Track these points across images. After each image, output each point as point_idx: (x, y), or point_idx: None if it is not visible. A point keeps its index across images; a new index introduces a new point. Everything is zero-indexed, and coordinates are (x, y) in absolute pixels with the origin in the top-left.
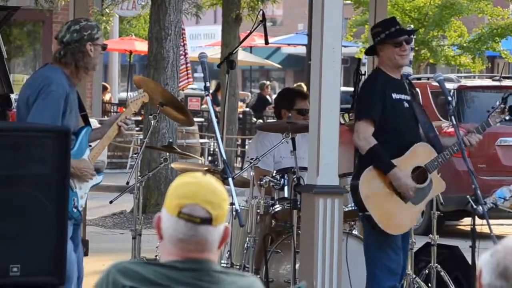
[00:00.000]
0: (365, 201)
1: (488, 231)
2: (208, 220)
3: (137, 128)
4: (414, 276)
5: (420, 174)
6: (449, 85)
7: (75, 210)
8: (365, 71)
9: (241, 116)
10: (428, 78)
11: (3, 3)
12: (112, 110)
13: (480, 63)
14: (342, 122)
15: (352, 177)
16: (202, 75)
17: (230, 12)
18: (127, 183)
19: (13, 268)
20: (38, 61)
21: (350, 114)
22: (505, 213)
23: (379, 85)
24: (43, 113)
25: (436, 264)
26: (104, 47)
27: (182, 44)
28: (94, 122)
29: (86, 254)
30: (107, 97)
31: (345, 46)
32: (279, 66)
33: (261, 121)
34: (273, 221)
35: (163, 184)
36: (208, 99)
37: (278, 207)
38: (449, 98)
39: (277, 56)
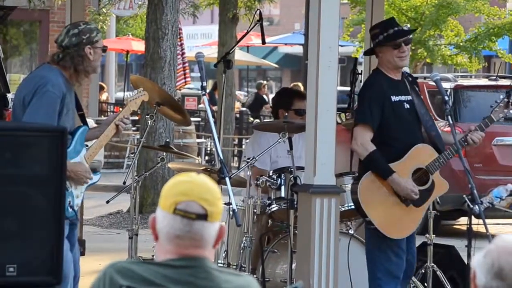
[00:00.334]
0: (364, 206)
1: (485, 231)
2: (203, 216)
3: (133, 128)
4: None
5: (421, 175)
6: (445, 85)
7: (70, 209)
8: (361, 71)
9: (238, 115)
10: (424, 78)
11: (0, 3)
12: (109, 110)
13: (476, 62)
14: (339, 121)
15: (353, 180)
16: (199, 74)
17: (227, 12)
18: (124, 182)
19: (10, 268)
20: (35, 60)
21: (347, 114)
22: (502, 213)
23: (377, 88)
24: (38, 113)
25: (432, 264)
26: (104, 50)
27: (179, 43)
28: (91, 122)
29: (83, 253)
30: (104, 96)
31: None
32: (276, 65)
33: (258, 120)
34: (269, 220)
35: (160, 183)
36: (205, 98)
37: (274, 207)
38: (446, 98)
39: (274, 56)
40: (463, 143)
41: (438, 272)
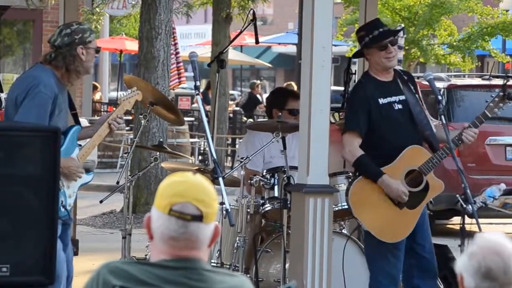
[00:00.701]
0: (355, 210)
1: (478, 230)
2: (199, 218)
3: (127, 128)
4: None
5: (416, 177)
6: (439, 84)
7: (62, 209)
8: (355, 70)
9: (231, 115)
10: (418, 77)
11: None
12: (102, 109)
13: (470, 62)
14: (332, 121)
15: (349, 183)
16: (192, 74)
17: (220, 11)
18: (117, 182)
19: (3, 268)
20: (28, 60)
21: (340, 113)
22: (495, 212)
23: (362, 93)
24: (29, 113)
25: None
26: (97, 50)
27: (173, 43)
28: (84, 122)
29: (76, 253)
30: (97, 96)
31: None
32: (270, 65)
33: (251, 120)
34: (263, 220)
35: (153, 183)
36: (199, 98)
37: (268, 207)
38: (439, 97)
39: (268, 55)
40: (457, 142)
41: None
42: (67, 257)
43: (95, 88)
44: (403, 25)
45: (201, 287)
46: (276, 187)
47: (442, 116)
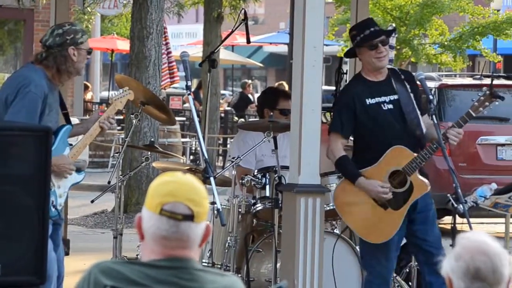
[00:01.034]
0: (339, 211)
1: (469, 230)
2: (190, 217)
3: (118, 127)
4: (394, 275)
5: (403, 178)
6: (430, 84)
7: (53, 209)
8: (346, 70)
9: (223, 115)
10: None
11: None
12: (93, 109)
13: (461, 61)
14: (324, 121)
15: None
16: (184, 74)
17: (212, 11)
18: (109, 182)
19: None
20: (19, 59)
21: (332, 113)
22: (486, 212)
23: (347, 95)
24: (19, 113)
25: (417, 258)
26: (89, 52)
27: (164, 43)
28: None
29: (67, 253)
30: (88, 96)
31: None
32: (261, 64)
33: (242, 120)
34: (254, 220)
35: (145, 183)
36: (190, 98)
37: (259, 206)
38: (430, 97)
39: (259, 55)
40: (441, 142)
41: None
42: (58, 257)
43: (86, 87)
44: (394, 25)
45: (192, 287)
46: (267, 187)
47: (434, 116)
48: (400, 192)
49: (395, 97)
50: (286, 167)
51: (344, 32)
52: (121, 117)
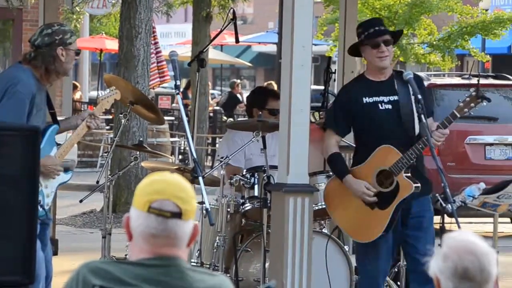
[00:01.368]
0: (328, 209)
1: (457, 230)
2: (178, 214)
3: (107, 127)
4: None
5: (387, 177)
6: None
7: (40, 209)
8: (335, 69)
9: (211, 114)
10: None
11: None
12: (82, 109)
13: (449, 61)
14: (313, 120)
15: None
16: (172, 73)
17: (200, 11)
18: (97, 182)
19: None
20: (8, 59)
21: (321, 113)
22: (474, 211)
23: (344, 94)
24: (7, 113)
25: (405, 263)
26: (77, 53)
27: (153, 42)
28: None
29: (55, 253)
30: (77, 95)
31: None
32: (250, 64)
33: (231, 119)
34: (243, 219)
35: (134, 183)
36: (179, 97)
37: (248, 206)
38: (419, 96)
39: (248, 55)
40: (426, 142)
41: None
42: (46, 256)
43: (75, 87)
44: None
45: (181, 286)
46: (256, 187)
47: (422, 116)
48: (387, 192)
49: (395, 98)
50: (275, 167)
51: (332, 31)
52: (110, 116)
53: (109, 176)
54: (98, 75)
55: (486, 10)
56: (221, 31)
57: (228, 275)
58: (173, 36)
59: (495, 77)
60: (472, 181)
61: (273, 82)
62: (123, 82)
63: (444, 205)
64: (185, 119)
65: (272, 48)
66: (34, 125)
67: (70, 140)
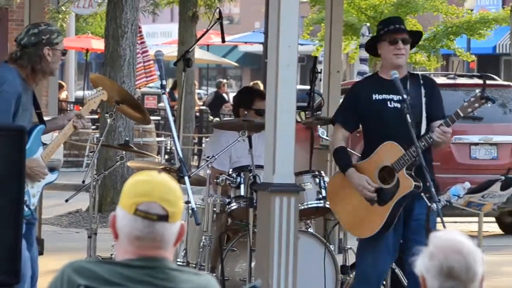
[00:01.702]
0: (330, 204)
1: (443, 229)
2: (164, 217)
3: (93, 127)
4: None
5: (389, 173)
6: None
7: (26, 208)
8: (321, 69)
9: (197, 114)
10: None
11: None
12: (68, 108)
13: (435, 61)
14: (299, 120)
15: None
16: (158, 73)
17: (186, 10)
18: (83, 181)
19: None
20: None
21: (307, 112)
22: (459, 211)
23: (354, 90)
24: None
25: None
26: (64, 53)
27: (139, 42)
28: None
29: (41, 253)
30: (63, 95)
31: (301, 44)
32: (236, 64)
33: (217, 119)
34: (229, 219)
35: (119, 182)
36: (165, 97)
37: (234, 206)
38: (404, 96)
39: (234, 54)
40: (428, 140)
41: (397, 270)
42: (32, 256)
43: (61, 87)
44: (368, 24)
45: (167, 286)
46: (242, 186)
47: (408, 115)
48: (388, 189)
49: (403, 96)
50: (261, 167)
51: (318, 31)
52: (96, 116)
53: (95, 176)
54: (84, 75)
55: (471, 10)
56: (207, 30)
57: (214, 274)
58: (159, 36)
59: (480, 77)
60: (457, 180)
61: (259, 82)
62: (109, 82)
63: (429, 204)
64: (171, 118)
65: (258, 48)
66: (20, 125)
67: (56, 140)
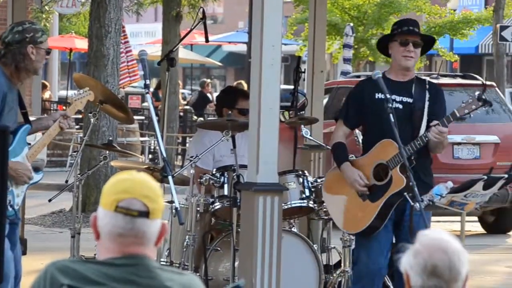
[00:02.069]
0: (324, 195)
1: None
2: (145, 213)
3: (77, 126)
4: (348, 270)
5: (384, 171)
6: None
7: (10, 208)
8: (305, 69)
9: (181, 114)
10: (366, 76)
11: None
12: (52, 108)
13: (418, 61)
14: (282, 119)
15: None
16: (142, 72)
17: (170, 10)
18: (67, 181)
19: None
20: None
21: (290, 112)
22: (442, 210)
23: (357, 88)
24: None
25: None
26: (48, 52)
27: (123, 41)
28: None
29: (24, 253)
30: (46, 95)
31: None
32: (220, 64)
33: (201, 119)
34: (212, 219)
35: (103, 182)
36: (148, 96)
37: (218, 205)
38: (387, 96)
39: (218, 54)
40: (424, 139)
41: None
42: (16, 256)
43: (44, 86)
44: (352, 24)
45: (150, 285)
46: (226, 186)
47: (391, 115)
48: (381, 186)
49: (409, 100)
50: (245, 166)
51: (302, 31)
52: (80, 116)
53: (79, 176)
54: (67, 75)
55: (454, 10)
56: (190, 30)
57: (198, 274)
58: (143, 36)
59: (463, 77)
60: (440, 180)
61: (243, 82)
62: (93, 81)
63: (412, 203)
64: (154, 118)
65: (242, 48)
66: (3, 124)
67: (42, 140)
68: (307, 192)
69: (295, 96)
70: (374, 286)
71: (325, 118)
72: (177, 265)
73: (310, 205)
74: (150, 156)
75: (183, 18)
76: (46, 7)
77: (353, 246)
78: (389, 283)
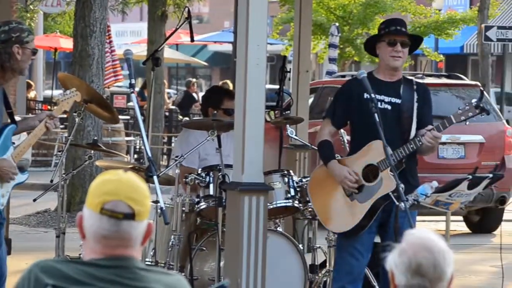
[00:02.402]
0: (310, 194)
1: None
2: (131, 216)
3: (62, 126)
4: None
5: (373, 172)
6: None
7: None
8: (290, 68)
9: (167, 113)
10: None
11: None
12: (36, 108)
13: None
14: (268, 119)
15: None
16: (127, 72)
17: (156, 9)
18: (51, 181)
19: None
20: None
21: (276, 112)
22: (427, 210)
23: (345, 87)
24: None
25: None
26: (34, 52)
27: (108, 41)
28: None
29: (9, 253)
30: (31, 94)
31: (271, 44)
32: (206, 63)
33: (187, 118)
34: (198, 218)
35: (88, 182)
36: (133, 96)
37: (203, 205)
38: (372, 96)
39: (204, 54)
40: (417, 143)
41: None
42: (0, 256)
43: (29, 86)
44: (337, 24)
45: (136, 286)
46: (211, 185)
47: (376, 115)
48: (370, 187)
49: (397, 100)
50: (230, 166)
51: (288, 31)
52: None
53: (63, 175)
54: (52, 74)
55: (439, 10)
56: (175, 30)
57: (183, 274)
58: (129, 35)
59: (448, 77)
60: (425, 179)
61: (228, 81)
62: (78, 81)
63: (397, 203)
64: (140, 118)
65: (228, 47)
66: None
67: (27, 140)
68: (292, 192)
69: (281, 96)
70: (355, 286)
71: (311, 118)
72: (163, 265)
73: (296, 205)
74: (136, 156)
75: (169, 18)
76: (31, 6)
77: None
78: (375, 283)
